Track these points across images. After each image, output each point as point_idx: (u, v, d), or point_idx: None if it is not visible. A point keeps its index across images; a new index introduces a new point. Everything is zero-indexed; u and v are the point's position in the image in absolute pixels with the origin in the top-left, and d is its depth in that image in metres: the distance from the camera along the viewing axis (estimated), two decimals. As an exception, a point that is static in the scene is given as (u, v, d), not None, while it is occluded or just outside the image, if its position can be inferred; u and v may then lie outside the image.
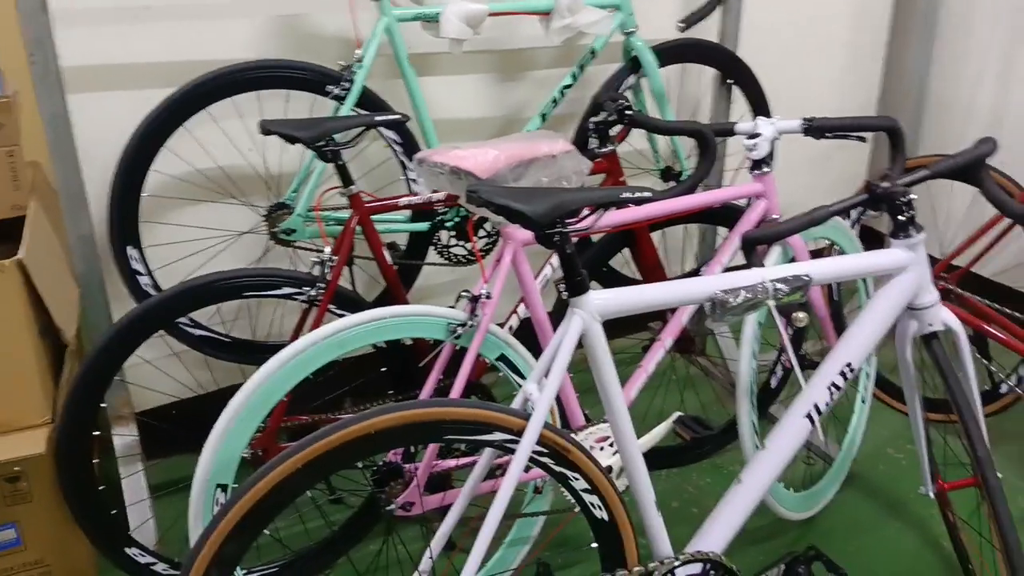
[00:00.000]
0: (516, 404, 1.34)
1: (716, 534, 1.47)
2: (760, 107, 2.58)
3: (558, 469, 1.32)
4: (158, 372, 2.13)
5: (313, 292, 1.77)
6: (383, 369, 1.88)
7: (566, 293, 1.27)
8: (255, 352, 2.07)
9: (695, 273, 2.72)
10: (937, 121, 3.07)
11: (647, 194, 1.27)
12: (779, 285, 1.36)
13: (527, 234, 1.63)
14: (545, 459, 1.30)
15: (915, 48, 2.95)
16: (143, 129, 1.86)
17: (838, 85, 3.11)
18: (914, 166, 2.45)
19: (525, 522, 1.81)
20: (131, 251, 1.94)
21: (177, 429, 1.94)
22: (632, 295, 1.31)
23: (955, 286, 2.41)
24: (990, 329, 2.33)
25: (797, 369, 1.43)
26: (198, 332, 2.02)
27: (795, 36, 2.92)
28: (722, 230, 2.77)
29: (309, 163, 2.07)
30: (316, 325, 1.80)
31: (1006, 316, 2.28)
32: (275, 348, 2.09)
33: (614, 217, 1.77)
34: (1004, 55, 2.86)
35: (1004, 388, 2.30)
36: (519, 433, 1.26)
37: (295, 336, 1.86)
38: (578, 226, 1.25)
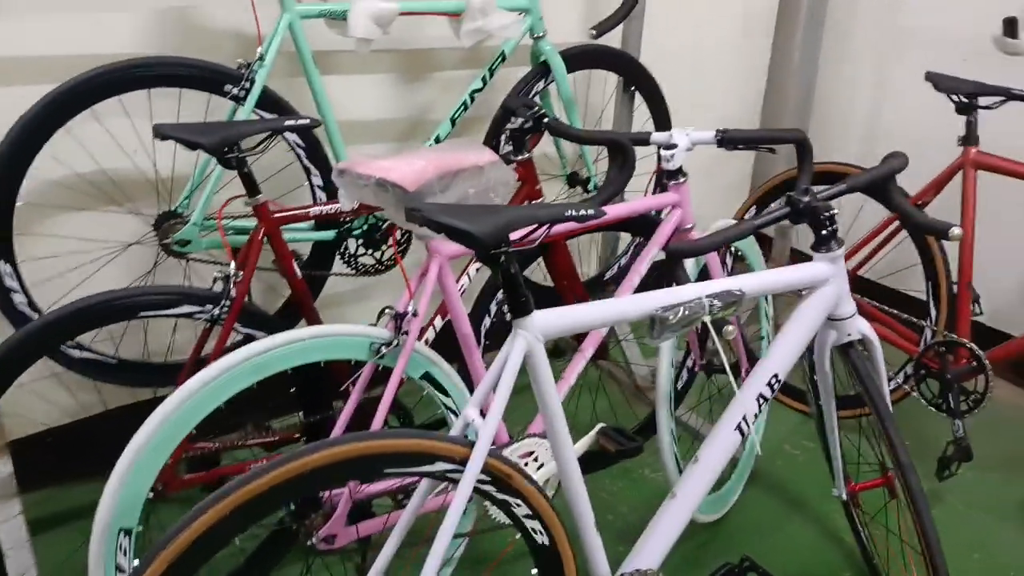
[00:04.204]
0: (455, 431, 1.28)
1: (652, 550, 1.46)
2: (660, 114, 2.62)
3: (500, 497, 1.27)
4: (36, 397, 1.93)
5: (217, 310, 1.64)
6: (292, 390, 1.77)
7: (509, 315, 1.22)
8: (147, 374, 1.91)
9: (600, 278, 2.73)
10: (819, 129, 3.21)
11: (591, 211, 1.24)
12: (714, 301, 1.36)
13: (453, 248, 1.57)
14: (487, 487, 1.25)
15: (798, 58, 3.07)
16: (18, 130, 1.66)
17: (729, 92, 3.19)
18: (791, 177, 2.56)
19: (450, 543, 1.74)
20: (3, 266, 1.74)
21: (57, 458, 1.76)
22: (575, 314, 1.27)
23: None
24: (879, 329, 2.45)
25: (734, 383, 1.43)
26: (80, 354, 1.84)
27: (689, 44, 2.97)
28: (625, 235, 2.80)
29: (203, 167, 1.92)
30: (221, 344, 1.68)
31: (893, 317, 2.40)
32: (169, 369, 1.96)
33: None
34: (880, 64, 3.02)
35: (892, 385, 2.42)
36: (462, 462, 1.20)
37: (195, 356, 1.73)
38: (523, 244, 1.20)
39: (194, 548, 1.04)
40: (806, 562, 2.03)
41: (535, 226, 1.19)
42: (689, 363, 2.29)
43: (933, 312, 2.32)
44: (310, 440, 1.84)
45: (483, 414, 1.23)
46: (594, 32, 2.21)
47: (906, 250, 2.43)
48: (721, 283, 1.39)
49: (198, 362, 1.71)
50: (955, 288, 2.27)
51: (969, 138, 2.21)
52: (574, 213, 1.22)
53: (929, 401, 2.26)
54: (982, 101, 2.19)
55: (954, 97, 2.21)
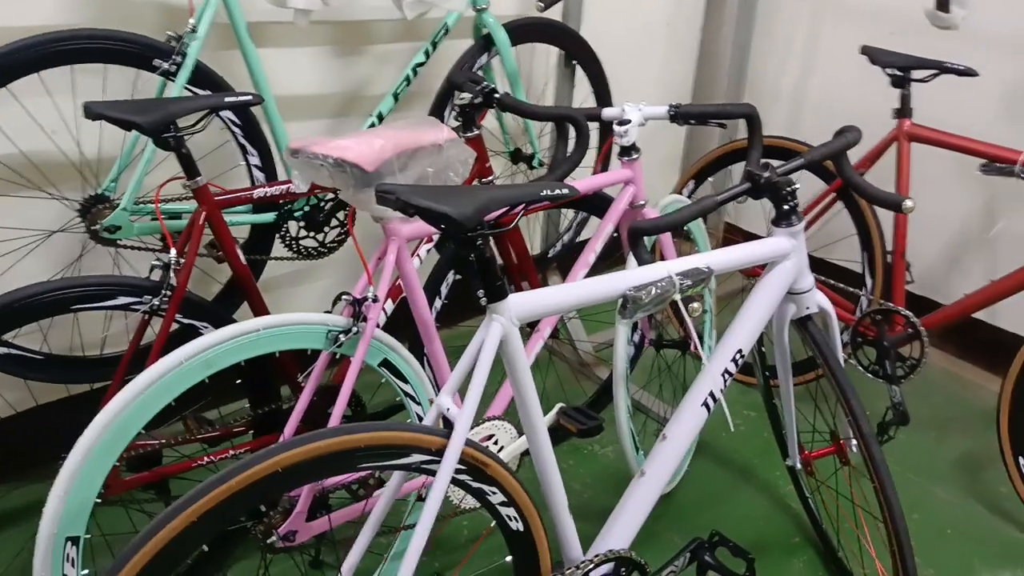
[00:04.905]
0: (429, 420, 1.23)
1: (622, 530, 1.46)
2: (601, 87, 2.59)
3: (476, 485, 1.24)
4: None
5: (157, 301, 1.54)
6: (238, 381, 1.69)
7: (484, 299, 1.18)
8: (80, 370, 1.78)
9: (544, 255, 2.70)
10: (751, 102, 3.25)
11: (566, 190, 1.20)
12: (684, 279, 1.34)
13: (413, 228, 1.51)
14: (463, 476, 1.22)
15: (729, 31, 3.09)
16: (-76, 110, 1.52)
17: (662, 66, 3.19)
18: (740, 147, 2.58)
19: (408, 533, 1.71)
20: (-88, 259, 1.60)
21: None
22: (549, 297, 1.24)
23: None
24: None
25: (704, 358, 1.43)
26: (3, 351, 1.70)
27: (623, 18, 2.95)
28: (567, 211, 2.78)
29: (131, 147, 1.80)
30: (163, 337, 1.58)
31: (830, 287, 2.45)
32: (105, 363, 1.84)
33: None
34: (809, 38, 3.07)
35: (830, 354, 2.48)
36: (439, 453, 1.16)
37: (133, 349, 1.62)
38: (500, 225, 1.16)
39: (161, 559, 0.98)
40: (758, 529, 2.07)
41: (509, 207, 1.15)
42: (636, 338, 2.30)
43: (869, 281, 2.38)
44: (259, 433, 1.76)
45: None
46: (541, 5, 2.16)
47: (838, 221, 2.48)
48: (689, 260, 1.38)
49: (136, 355, 1.62)
50: (890, 258, 2.34)
51: (903, 110, 2.26)
52: (549, 192, 1.18)
53: (866, 368, 2.33)
54: (916, 74, 2.24)
55: (889, 70, 2.25)
